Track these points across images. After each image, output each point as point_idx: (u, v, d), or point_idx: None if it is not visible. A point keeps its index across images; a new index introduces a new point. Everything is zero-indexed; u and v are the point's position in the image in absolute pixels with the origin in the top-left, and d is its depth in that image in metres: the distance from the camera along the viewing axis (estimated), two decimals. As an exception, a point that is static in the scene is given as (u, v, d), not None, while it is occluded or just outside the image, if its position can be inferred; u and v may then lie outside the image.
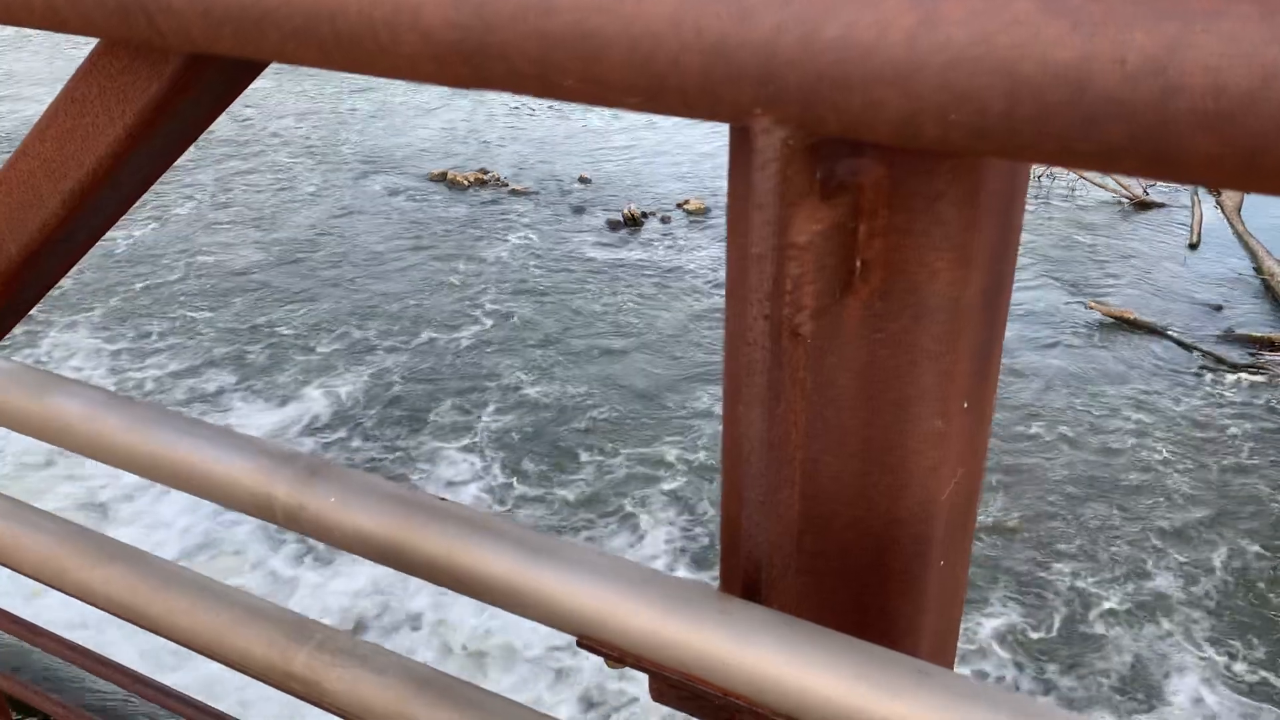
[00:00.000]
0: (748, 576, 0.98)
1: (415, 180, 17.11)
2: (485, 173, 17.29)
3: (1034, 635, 7.94)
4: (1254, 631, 7.94)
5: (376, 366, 11.85)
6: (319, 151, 18.21)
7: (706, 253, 14.54)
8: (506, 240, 14.94)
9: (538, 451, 10.33)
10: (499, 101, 20.39)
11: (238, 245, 14.95)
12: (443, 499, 1.01)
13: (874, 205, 0.91)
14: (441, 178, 17.18)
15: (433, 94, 20.82)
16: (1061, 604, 8.23)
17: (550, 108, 20.04)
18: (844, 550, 1.07)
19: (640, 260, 14.38)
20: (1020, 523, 8.95)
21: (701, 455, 10.18)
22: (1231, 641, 7.89)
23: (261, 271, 14.19)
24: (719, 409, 10.80)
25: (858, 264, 0.94)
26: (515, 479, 9.92)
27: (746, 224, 0.94)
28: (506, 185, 16.94)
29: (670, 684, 0.91)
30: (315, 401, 11.22)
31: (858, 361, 0.99)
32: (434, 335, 12.45)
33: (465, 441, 10.48)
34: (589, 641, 0.92)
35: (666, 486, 9.76)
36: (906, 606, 1.10)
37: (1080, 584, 8.41)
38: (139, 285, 13.72)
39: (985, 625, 7.98)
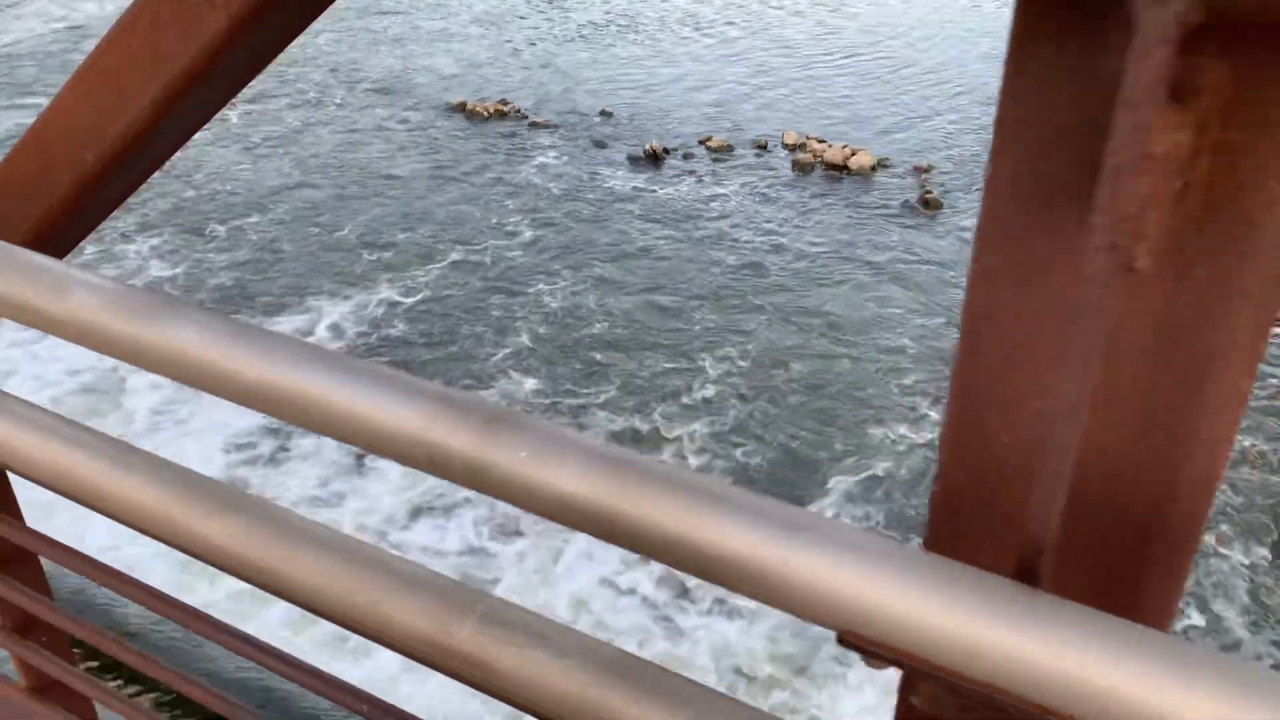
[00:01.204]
0: (1024, 562, 0.83)
1: (434, 109, 16.80)
2: (505, 104, 16.93)
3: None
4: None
5: (398, 283, 12.02)
6: (344, 74, 18.00)
7: (728, 189, 14.30)
8: (523, 173, 14.71)
9: (566, 360, 10.74)
10: (521, 32, 19.99)
11: (269, 162, 15.02)
12: (661, 460, 0.86)
13: (1206, 117, 0.74)
14: (461, 108, 16.83)
15: (456, 21, 20.40)
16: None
17: (577, 36, 19.63)
18: (1108, 530, 0.92)
19: (661, 195, 14.15)
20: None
21: (713, 370, 10.68)
22: None
23: (288, 190, 14.21)
24: (727, 329, 10.96)
25: (1179, 187, 0.77)
26: (547, 384, 10.38)
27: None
28: (526, 117, 16.60)
29: (951, 689, 0.76)
30: (335, 312, 11.57)
31: (1155, 305, 0.82)
32: (454, 257, 12.46)
33: (498, 350, 10.85)
34: (852, 637, 0.77)
35: (685, 399, 10.31)
36: (1163, 592, 0.96)
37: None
38: (189, 193, 13.95)
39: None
